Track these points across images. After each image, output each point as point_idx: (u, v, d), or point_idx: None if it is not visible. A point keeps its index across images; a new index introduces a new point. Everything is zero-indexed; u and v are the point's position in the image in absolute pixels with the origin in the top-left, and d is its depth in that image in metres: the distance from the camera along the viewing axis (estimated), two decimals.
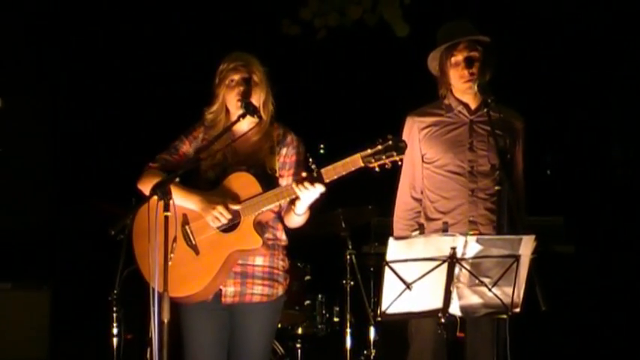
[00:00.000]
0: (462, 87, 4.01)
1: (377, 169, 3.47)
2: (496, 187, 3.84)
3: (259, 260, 3.79)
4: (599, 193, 7.68)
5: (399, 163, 3.46)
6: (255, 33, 7.16)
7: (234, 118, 3.76)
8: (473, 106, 4.04)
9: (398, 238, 3.47)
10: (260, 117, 3.76)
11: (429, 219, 4.10)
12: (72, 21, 7.63)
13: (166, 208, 3.42)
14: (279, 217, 3.84)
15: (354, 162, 3.48)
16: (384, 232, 5.35)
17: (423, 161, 4.09)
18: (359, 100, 7.78)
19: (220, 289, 3.76)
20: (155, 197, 3.45)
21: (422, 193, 4.12)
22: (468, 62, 3.95)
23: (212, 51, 4.01)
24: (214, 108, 3.83)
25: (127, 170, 4.28)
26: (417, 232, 4.11)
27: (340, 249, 5.45)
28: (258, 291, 3.78)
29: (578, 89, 7.65)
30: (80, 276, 7.08)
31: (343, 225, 5.39)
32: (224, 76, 3.77)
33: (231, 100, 3.78)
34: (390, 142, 3.44)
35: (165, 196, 3.43)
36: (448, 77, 4.02)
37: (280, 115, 3.91)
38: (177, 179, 3.66)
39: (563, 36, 7.44)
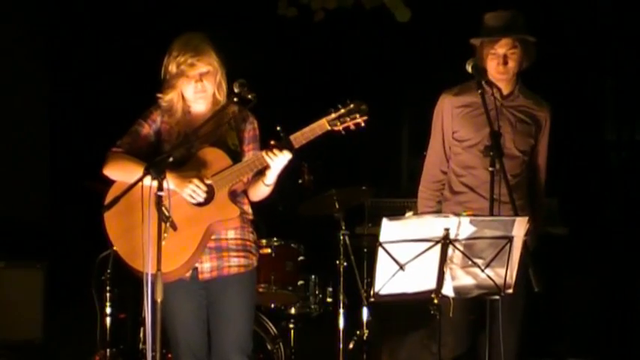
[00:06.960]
0: (496, 76, 4.13)
1: (342, 131, 3.66)
2: (517, 171, 4.03)
3: (231, 234, 3.84)
4: (593, 175, 7.69)
5: (362, 125, 3.65)
6: (251, 14, 7.12)
7: (192, 104, 3.86)
8: (505, 91, 4.16)
9: (391, 219, 3.47)
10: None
11: (453, 192, 4.21)
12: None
13: (160, 187, 3.48)
14: (244, 191, 3.90)
15: (320, 126, 3.66)
16: (378, 213, 5.36)
17: (453, 138, 4.20)
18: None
19: (196, 267, 3.80)
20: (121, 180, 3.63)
21: (448, 167, 4.25)
22: (505, 60, 4.06)
23: (207, 31, 3.99)
24: (169, 97, 3.86)
25: None
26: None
27: (334, 230, 5.44)
28: (235, 262, 3.84)
29: (573, 71, 7.64)
30: (74, 255, 7.07)
31: (337, 206, 5.38)
32: (181, 71, 3.79)
33: (187, 91, 3.83)
34: (352, 106, 3.65)
35: (159, 176, 3.49)
36: (485, 63, 4.12)
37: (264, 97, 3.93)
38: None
39: (556, 17, 7.42)
